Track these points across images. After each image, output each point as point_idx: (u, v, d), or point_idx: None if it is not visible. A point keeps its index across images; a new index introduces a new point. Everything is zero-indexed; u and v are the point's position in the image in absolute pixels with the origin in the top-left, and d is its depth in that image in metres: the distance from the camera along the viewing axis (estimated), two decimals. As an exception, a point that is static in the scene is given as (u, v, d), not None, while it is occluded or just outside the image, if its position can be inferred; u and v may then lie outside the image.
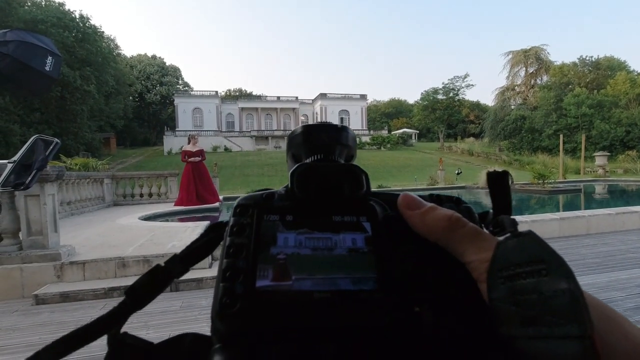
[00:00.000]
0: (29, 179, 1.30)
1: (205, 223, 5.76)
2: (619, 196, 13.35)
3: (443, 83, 46.29)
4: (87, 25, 33.77)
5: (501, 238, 0.22)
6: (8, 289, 3.83)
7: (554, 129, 35.85)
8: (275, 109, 53.15)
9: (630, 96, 36.03)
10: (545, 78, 46.14)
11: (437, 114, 46.92)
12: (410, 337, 0.21)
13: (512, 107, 45.40)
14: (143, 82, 53.44)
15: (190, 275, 3.93)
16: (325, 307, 0.21)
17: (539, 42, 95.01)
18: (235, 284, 0.21)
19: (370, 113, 64.58)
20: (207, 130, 45.95)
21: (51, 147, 1.37)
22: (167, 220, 7.83)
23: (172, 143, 41.17)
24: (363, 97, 54.91)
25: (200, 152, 9.40)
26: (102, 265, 4.05)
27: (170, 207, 9.20)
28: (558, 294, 0.18)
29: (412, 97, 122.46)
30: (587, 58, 43.72)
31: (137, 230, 5.72)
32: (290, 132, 0.34)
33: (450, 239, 0.23)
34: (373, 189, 0.28)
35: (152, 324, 3.02)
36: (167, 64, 58.72)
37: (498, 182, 0.28)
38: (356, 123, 50.62)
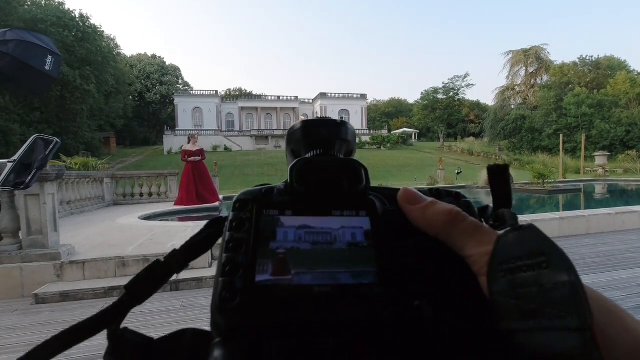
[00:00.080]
0: (29, 178, 1.30)
1: (205, 222, 5.71)
2: (618, 196, 13.35)
3: (443, 83, 46.34)
4: (87, 24, 33.74)
5: (501, 232, 0.22)
6: (8, 288, 3.83)
7: (554, 128, 35.84)
8: (275, 108, 53.14)
9: (630, 96, 36.02)
10: (545, 78, 46.11)
11: (437, 113, 46.92)
12: (410, 331, 0.21)
13: (512, 106, 45.37)
14: (143, 81, 53.41)
15: (190, 274, 3.94)
16: (325, 301, 0.21)
17: (539, 41, 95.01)
18: (235, 279, 0.22)
19: (370, 113, 64.57)
20: (207, 130, 45.91)
21: (51, 147, 1.37)
22: (167, 220, 7.83)
23: (172, 142, 41.15)
24: (363, 96, 54.90)
25: (200, 152, 9.40)
26: (102, 264, 4.05)
27: (170, 206, 9.20)
28: (558, 287, 0.18)
29: (412, 96, 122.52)
30: (587, 58, 43.73)
31: (137, 230, 5.72)
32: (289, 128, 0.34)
33: (451, 233, 0.23)
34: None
35: (153, 323, 3.02)
36: (167, 64, 58.69)
37: (498, 176, 0.28)
38: (356, 123, 50.58)
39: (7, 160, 1.26)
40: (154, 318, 3.12)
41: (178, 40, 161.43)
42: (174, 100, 51.28)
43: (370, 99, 65.68)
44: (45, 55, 2.76)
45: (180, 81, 60.51)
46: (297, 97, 54.53)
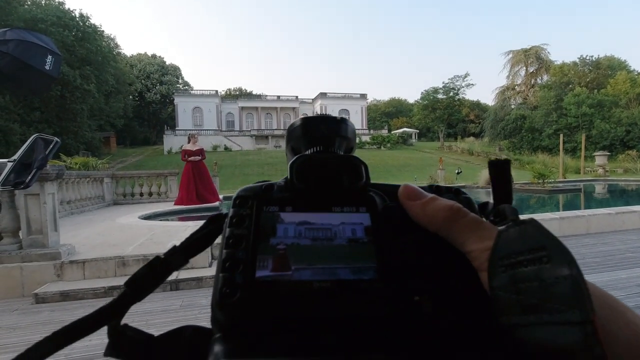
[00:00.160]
0: (29, 178, 1.30)
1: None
2: (618, 196, 13.36)
3: (443, 82, 46.18)
4: (86, 24, 33.74)
5: (502, 227, 0.22)
6: (8, 287, 3.84)
7: (554, 128, 35.83)
8: (275, 108, 53.13)
9: (630, 96, 36.01)
10: (545, 77, 46.10)
11: (437, 113, 46.87)
12: (410, 327, 0.21)
13: (512, 106, 45.36)
14: (143, 81, 53.40)
15: (190, 274, 3.94)
16: (325, 296, 0.21)
17: (539, 41, 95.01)
18: (235, 274, 0.22)
19: (370, 112, 64.57)
20: (207, 130, 45.90)
21: (51, 146, 1.37)
22: (167, 220, 7.83)
23: (172, 142, 41.14)
24: (363, 96, 54.90)
25: (200, 151, 9.40)
26: (102, 264, 4.06)
27: (170, 206, 9.21)
28: (560, 281, 0.18)
29: (412, 96, 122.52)
30: (588, 57, 43.72)
31: (137, 230, 5.73)
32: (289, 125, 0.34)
33: (451, 229, 0.23)
34: None
35: (153, 322, 3.02)
36: (167, 63, 58.68)
37: (499, 171, 0.27)
38: (356, 122, 50.57)
39: (7, 159, 1.26)
40: (154, 318, 3.12)
41: (178, 39, 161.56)
42: (174, 100, 51.28)
43: (370, 98, 65.74)
44: (45, 55, 2.75)
45: (180, 81, 60.49)
46: (297, 96, 54.54)
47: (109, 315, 0.25)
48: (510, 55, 49.33)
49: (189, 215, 8.56)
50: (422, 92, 48.49)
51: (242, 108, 52.97)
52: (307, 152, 0.30)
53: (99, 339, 0.24)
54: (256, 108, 53.04)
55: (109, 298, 0.22)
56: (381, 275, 0.22)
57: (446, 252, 0.23)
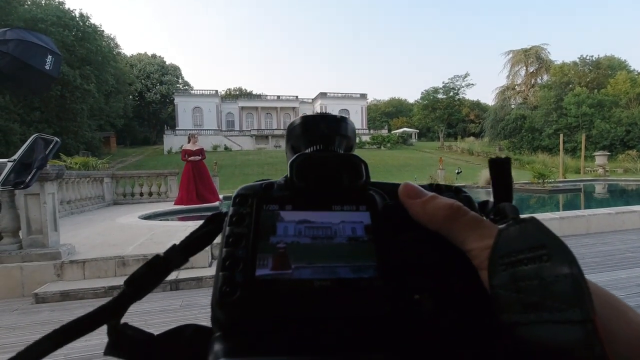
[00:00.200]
0: (29, 177, 1.29)
1: (205, 222, 5.72)
2: (618, 196, 13.37)
3: (443, 82, 46.20)
4: (86, 24, 33.74)
5: (503, 225, 0.22)
6: (8, 287, 3.84)
7: (554, 128, 35.83)
8: (276, 108, 53.14)
9: (630, 96, 36.00)
10: (545, 77, 46.07)
11: (437, 113, 46.86)
12: (410, 325, 0.21)
13: (512, 106, 45.33)
14: (143, 81, 53.39)
15: (190, 274, 3.94)
16: (325, 295, 0.21)
17: (539, 41, 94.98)
18: (235, 273, 0.22)
19: (370, 112, 64.57)
20: (207, 129, 45.91)
21: (51, 146, 1.37)
22: (167, 220, 7.83)
23: (172, 142, 41.14)
24: (363, 96, 54.90)
25: (200, 151, 9.40)
26: (102, 264, 4.06)
27: (170, 206, 9.21)
28: (560, 279, 0.18)
29: (412, 96, 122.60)
30: (588, 57, 43.68)
31: (137, 229, 5.73)
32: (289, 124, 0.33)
33: (451, 227, 0.23)
34: None
35: (152, 322, 3.02)
36: (167, 63, 58.68)
37: (500, 169, 0.28)
38: (356, 122, 50.55)
39: (7, 159, 1.26)
40: (153, 317, 3.13)
41: (178, 39, 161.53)
42: (174, 99, 51.29)
43: (370, 98, 65.73)
44: (45, 55, 2.75)
45: (180, 81, 60.49)
46: (297, 96, 54.55)
47: (109, 314, 0.25)
48: (511, 55, 49.31)
49: (189, 215, 8.56)
50: (422, 92, 48.55)
51: (242, 108, 52.97)
52: (307, 151, 0.30)
53: (99, 338, 0.24)
54: (256, 108, 53.04)
55: (109, 298, 0.22)
56: (381, 274, 0.22)
57: (446, 251, 0.23)
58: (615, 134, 33.27)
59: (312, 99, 55.27)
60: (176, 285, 3.85)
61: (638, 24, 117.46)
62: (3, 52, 2.54)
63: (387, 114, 69.50)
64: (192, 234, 0.28)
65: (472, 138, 48.20)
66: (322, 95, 52.79)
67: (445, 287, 0.22)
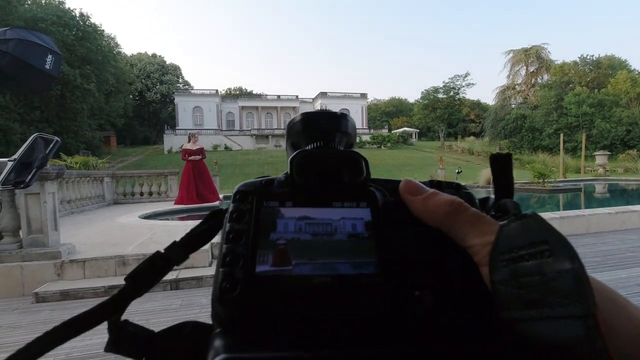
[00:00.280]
0: (29, 177, 1.30)
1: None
2: (619, 195, 13.36)
3: (443, 82, 46.19)
4: (87, 23, 33.76)
5: (504, 221, 0.22)
6: (8, 287, 3.84)
7: (555, 128, 35.80)
8: (276, 107, 53.14)
9: (630, 95, 35.97)
10: (545, 77, 46.04)
11: (438, 112, 46.85)
12: (410, 322, 0.21)
13: (513, 106, 45.31)
14: (143, 80, 53.41)
15: (190, 273, 3.94)
16: (326, 291, 0.21)
17: (539, 40, 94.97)
18: (235, 269, 0.22)
19: (370, 112, 64.55)
20: (208, 129, 45.90)
21: (51, 146, 1.37)
22: (167, 219, 7.83)
23: (173, 142, 41.14)
24: (363, 95, 54.92)
25: (201, 151, 9.40)
26: (102, 263, 4.06)
27: (170, 205, 9.21)
28: (561, 275, 0.17)
29: (412, 96, 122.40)
30: (588, 57, 43.63)
31: (137, 229, 5.73)
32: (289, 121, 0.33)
33: (452, 224, 0.23)
34: None
35: (152, 322, 3.02)
36: (167, 63, 58.69)
37: (501, 165, 0.27)
38: (356, 122, 48.97)
39: (7, 159, 1.26)
40: (153, 317, 3.13)
41: (178, 39, 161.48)
42: (174, 99, 51.31)
43: (370, 98, 65.78)
44: (46, 54, 2.76)
45: (180, 80, 60.50)
46: (297, 96, 54.55)
47: (110, 311, 0.25)
48: (511, 55, 49.28)
49: (189, 215, 8.56)
50: (422, 92, 48.58)
51: (243, 107, 52.98)
52: (307, 148, 0.30)
53: (99, 337, 0.24)
54: (256, 107, 53.04)
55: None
56: (382, 270, 0.22)
57: (447, 247, 0.23)
58: (616, 133, 33.25)
59: (313, 99, 55.27)
60: (176, 284, 3.85)
61: (638, 24, 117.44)
62: (3, 52, 2.54)
63: (388, 113, 69.47)
64: (192, 230, 0.28)
65: (472, 138, 48.16)
66: (323, 94, 52.79)
67: (445, 283, 0.22)
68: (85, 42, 31.88)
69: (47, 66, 2.76)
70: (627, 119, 33.40)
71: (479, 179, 14.37)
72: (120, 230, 5.70)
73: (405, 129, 53.54)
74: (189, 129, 37.67)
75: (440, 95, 46.51)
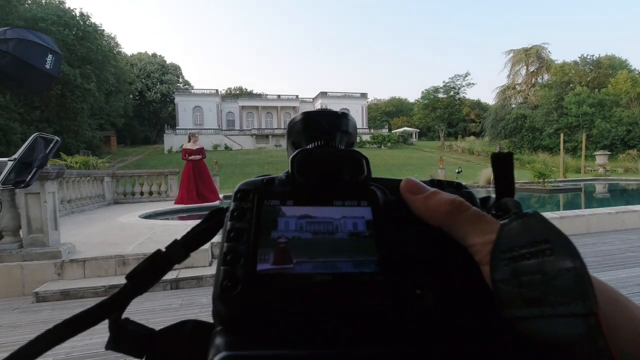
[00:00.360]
0: (30, 177, 1.30)
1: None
2: (619, 195, 13.35)
3: (444, 82, 46.28)
4: (87, 23, 33.77)
5: (505, 220, 0.22)
6: (8, 286, 3.84)
7: (555, 127, 35.79)
8: (276, 107, 53.14)
9: (631, 95, 35.95)
10: (546, 77, 46.00)
11: (438, 112, 46.87)
12: (411, 320, 0.21)
13: (513, 105, 45.28)
14: (143, 80, 53.41)
15: (190, 273, 3.95)
16: (326, 289, 0.21)
17: (540, 40, 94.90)
18: (236, 267, 0.22)
19: (370, 112, 64.53)
20: (208, 129, 45.91)
21: (51, 145, 1.37)
22: (168, 219, 7.83)
23: (173, 141, 41.15)
24: (363, 95, 54.91)
25: (201, 150, 9.40)
26: (102, 263, 4.06)
27: (170, 205, 9.21)
28: (563, 273, 0.17)
29: (412, 95, 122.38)
30: (588, 57, 43.59)
31: (138, 229, 5.73)
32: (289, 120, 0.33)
33: (453, 223, 0.23)
34: None
35: (153, 321, 3.01)
36: (167, 62, 58.69)
37: (502, 164, 0.27)
38: (357, 122, 49.39)
39: (7, 158, 1.26)
40: (154, 316, 3.13)
41: (178, 39, 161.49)
42: (174, 99, 51.32)
43: (370, 98, 65.75)
44: (46, 54, 2.76)
45: (180, 80, 60.51)
46: (297, 96, 54.56)
47: (110, 309, 0.25)
48: (511, 55, 49.23)
49: (189, 215, 8.57)
50: (422, 92, 48.68)
51: (243, 107, 52.98)
52: (308, 147, 0.30)
53: (99, 337, 0.24)
54: (256, 107, 53.04)
55: (109, 297, 0.23)
56: (382, 269, 0.22)
57: (448, 246, 0.23)
58: (616, 133, 33.24)
59: (313, 98, 55.25)
60: (176, 284, 3.85)
61: (639, 24, 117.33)
62: (3, 52, 2.54)
63: (388, 113, 69.45)
64: (193, 229, 0.28)
65: (472, 137, 48.12)
66: (323, 94, 52.79)
67: (446, 282, 0.22)
68: (86, 41, 31.89)
69: (47, 66, 2.76)
70: (628, 119, 33.38)
71: (479, 179, 14.36)
72: (121, 230, 5.70)
73: (406, 128, 53.52)
74: (189, 129, 37.70)
75: (441, 95, 46.53)
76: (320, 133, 0.31)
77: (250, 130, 48.34)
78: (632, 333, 0.19)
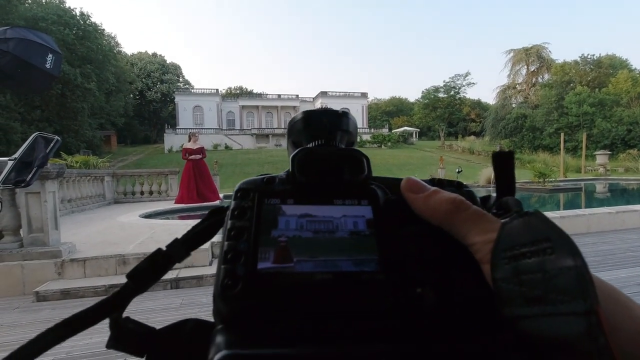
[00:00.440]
0: (30, 176, 1.30)
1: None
2: (619, 195, 13.35)
3: (444, 81, 46.31)
4: (87, 22, 33.78)
5: (506, 218, 0.22)
6: (9, 285, 3.84)
7: (555, 127, 35.78)
8: (276, 107, 53.14)
9: (631, 95, 35.95)
10: (546, 76, 46.03)
11: (438, 112, 46.87)
12: (411, 319, 0.21)
13: (513, 105, 45.30)
14: (144, 79, 53.41)
15: (190, 272, 3.95)
16: (327, 288, 0.21)
17: (540, 40, 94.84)
18: (237, 266, 0.22)
19: (371, 111, 64.51)
20: (208, 128, 45.95)
21: (52, 145, 1.37)
22: (168, 218, 7.84)
23: (173, 141, 41.17)
24: (364, 95, 54.92)
25: (201, 150, 9.41)
26: (102, 262, 4.06)
27: (170, 204, 9.21)
28: (564, 272, 0.17)
29: (413, 95, 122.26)
30: (589, 56, 43.57)
31: (138, 228, 5.74)
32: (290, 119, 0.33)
33: (454, 222, 0.23)
34: None
35: (153, 321, 2.99)
36: (167, 62, 58.69)
37: (503, 163, 0.27)
38: (357, 121, 50.41)
39: (7, 158, 1.26)
40: (154, 316, 3.13)
41: (179, 38, 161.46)
42: (174, 98, 51.33)
43: (371, 97, 65.75)
44: (46, 54, 2.76)
45: (180, 79, 60.50)
46: (297, 95, 54.61)
47: (111, 308, 0.25)
48: (512, 54, 49.21)
49: (189, 214, 8.57)
50: (422, 91, 48.64)
51: (243, 107, 52.99)
52: (308, 146, 0.30)
53: (99, 336, 0.24)
54: (257, 107, 53.06)
55: (109, 296, 0.23)
56: (383, 268, 0.22)
57: (448, 245, 0.23)
58: (617, 133, 33.23)
59: (313, 98, 55.25)
60: (176, 283, 3.85)
61: (639, 24, 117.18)
62: (4, 51, 2.54)
63: (388, 113, 69.44)
64: (193, 227, 0.28)
65: (472, 137, 48.15)
66: (323, 94, 52.79)
67: (447, 281, 0.22)
68: (86, 41, 31.90)
69: (47, 65, 2.76)
70: (628, 119, 33.38)
71: (479, 179, 14.36)
72: (121, 230, 5.71)
73: (406, 128, 53.52)
74: (190, 128, 37.70)
75: (441, 95, 46.54)
76: (321, 132, 0.31)
77: (250, 129, 48.35)
78: (632, 332, 0.19)
